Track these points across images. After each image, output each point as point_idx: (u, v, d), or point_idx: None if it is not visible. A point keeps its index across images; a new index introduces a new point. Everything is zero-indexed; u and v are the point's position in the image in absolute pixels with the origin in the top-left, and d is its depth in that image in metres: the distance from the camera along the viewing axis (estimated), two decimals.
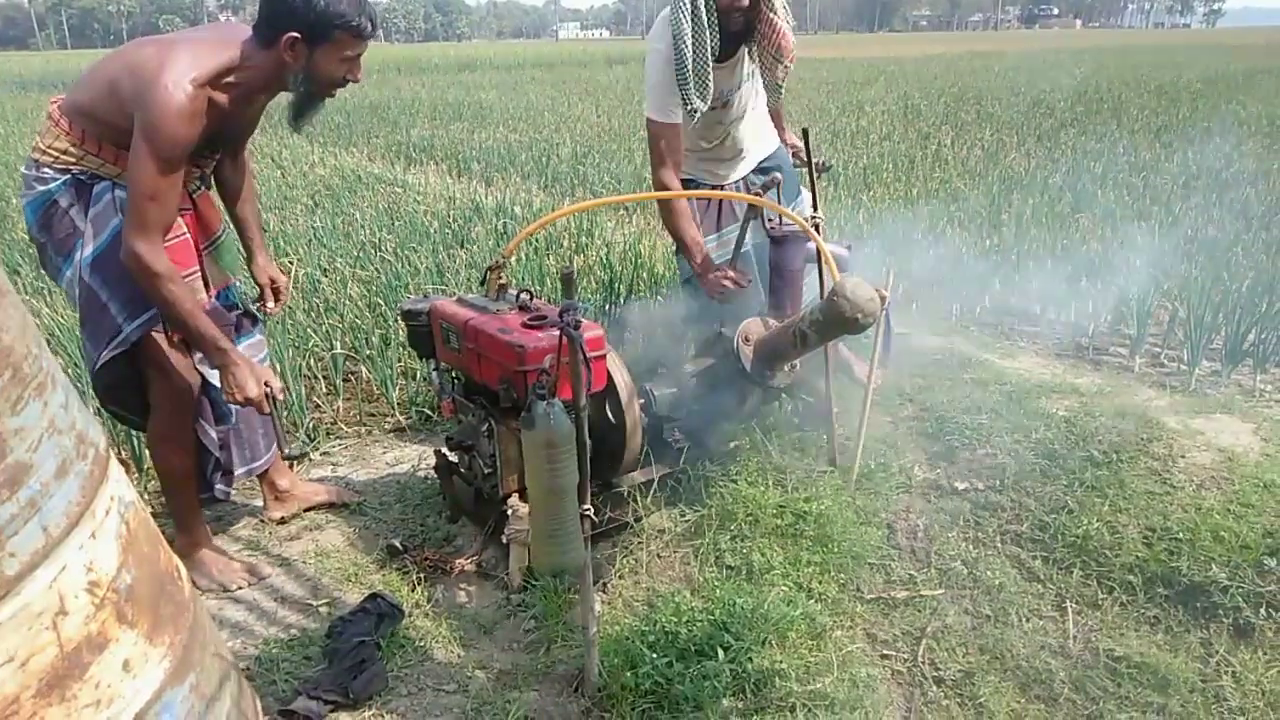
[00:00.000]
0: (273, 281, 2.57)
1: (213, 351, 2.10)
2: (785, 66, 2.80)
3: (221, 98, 2.03)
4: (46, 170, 2.09)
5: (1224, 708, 1.89)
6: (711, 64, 2.67)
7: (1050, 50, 32.58)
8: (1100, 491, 2.45)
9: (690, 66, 2.62)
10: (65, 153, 2.08)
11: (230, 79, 2.03)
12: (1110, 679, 1.98)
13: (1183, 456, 2.58)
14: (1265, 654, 1.98)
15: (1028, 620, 2.17)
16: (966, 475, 2.67)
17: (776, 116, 3.25)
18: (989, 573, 2.30)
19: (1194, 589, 2.16)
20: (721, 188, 3.08)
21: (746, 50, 2.82)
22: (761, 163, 3.12)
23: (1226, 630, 2.07)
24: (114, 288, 2.11)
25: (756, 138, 3.11)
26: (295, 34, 1.99)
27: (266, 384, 2.14)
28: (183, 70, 1.94)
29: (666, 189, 2.81)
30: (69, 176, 2.09)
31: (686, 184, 3.09)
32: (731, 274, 2.78)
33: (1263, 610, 2.07)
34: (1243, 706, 1.87)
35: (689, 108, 2.70)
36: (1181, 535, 2.27)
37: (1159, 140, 8.99)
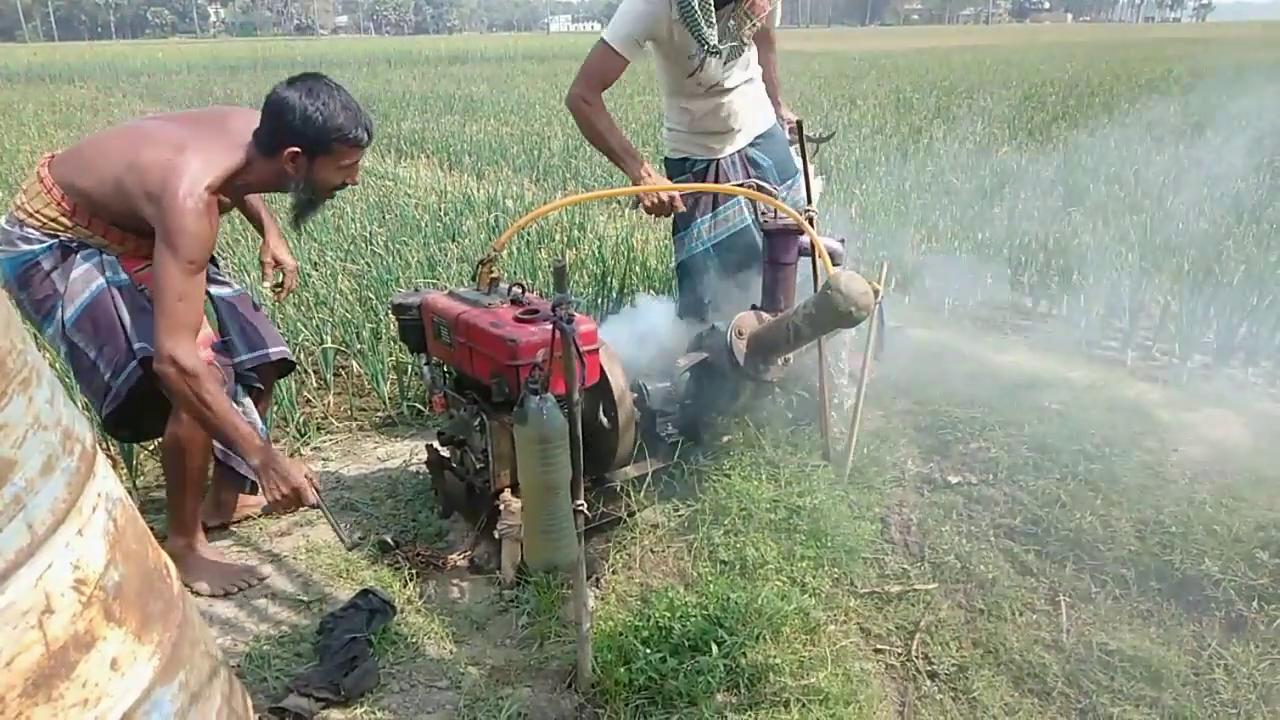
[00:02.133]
0: (278, 262, 2.56)
1: (251, 451, 2.03)
2: (754, 24, 2.75)
3: (227, 198, 2.13)
4: (31, 231, 2.09)
5: (1216, 700, 1.89)
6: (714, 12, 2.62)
7: (1041, 44, 32.62)
8: (1093, 485, 2.46)
9: (698, 5, 2.56)
10: (55, 220, 2.09)
11: (237, 182, 2.08)
12: (1104, 673, 1.98)
13: (1175, 450, 2.58)
14: (1257, 647, 1.99)
15: (1021, 614, 2.17)
16: (959, 469, 2.67)
17: (772, 89, 3.18)
18: (982, 566, 2.30)
19: (1187, 582, 2.17)
20: (717, 162, 3.03)
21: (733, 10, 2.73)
22: (756, 138, 3.06)
23: (1219, 623, 2.08)
24: (99, 345, 2.14)
25: (753, 111, 3.05)
26: (296, 148, 2.03)
27: (307, 475, 2.07)
28: (196, 178, 1.97)
29: (584, 115, 2.73)
30: (55, 241, 2.10)
31: (680, 163, 3.06)
32: (677, 195, 2.75)
33: (1255, 603, 2.07)
34: (1235, 699, 1.88)
35: (707, 46, 2.63)
36: (1174, 529, 2.28)
37: (1150, 134, 9.00)
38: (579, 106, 2.75)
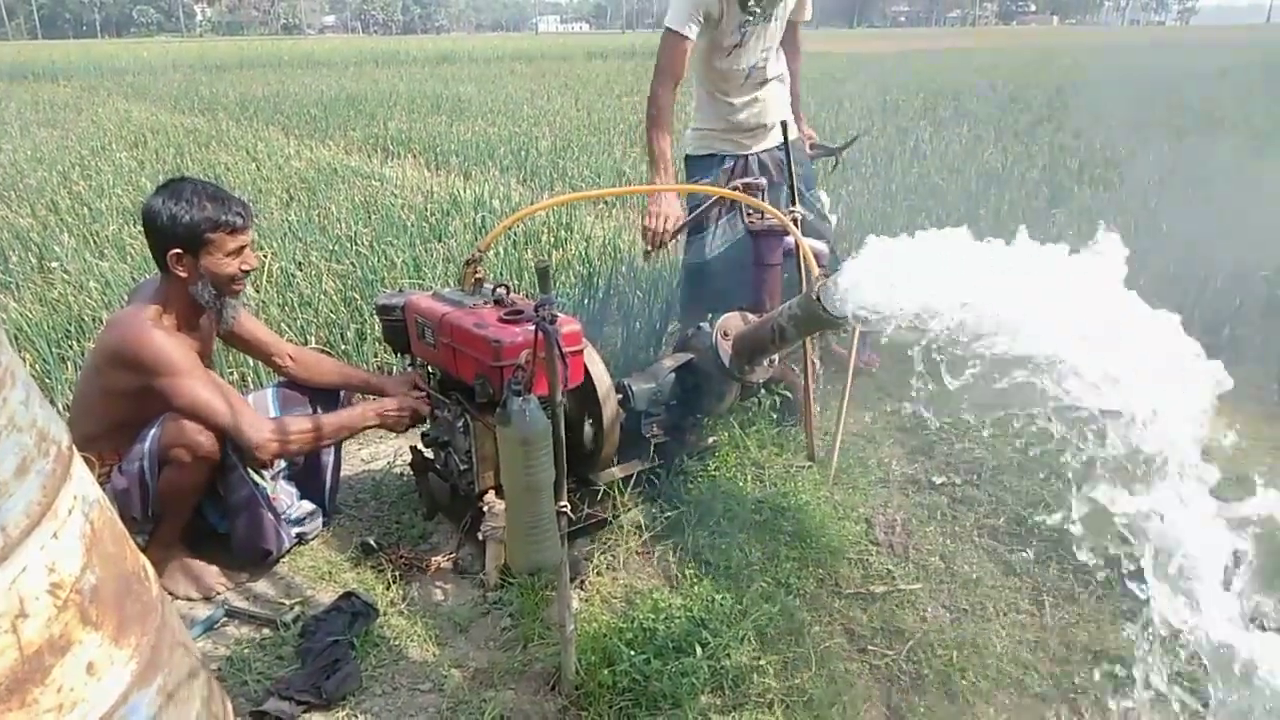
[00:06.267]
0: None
1: (365, 420, 2.36)
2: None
3: (176, 334, 2.17)
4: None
5: (1196, 700, 1.89)
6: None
7: (1028, 47, 32.79)
8: (1078, 486, 2.47)
9: None
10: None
11: (167, 316, 2.17)
12: (1088, 673, 1.98)
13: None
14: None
15: (1005, 614, 2.17)
16: (944, 469, 2.68)
17: (795, 102, 3.29)
18: (966, 567, 2.31)
19: None
20: (745, 159, 3.11)
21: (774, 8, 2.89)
22: (778, 146, 3.11)
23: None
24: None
25: (782, 114, 3.11)
26: (177, 250, 2.10)
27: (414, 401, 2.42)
28: (135, 319, 2.12)
29: (658, 99, 2.90)
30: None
31: (706, 159, 3.13)
32: (671, 224, 2.86)
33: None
34: None
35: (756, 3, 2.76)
36: None
37: (1136, 135, 9.06)
38: (649, 105, 2.94)
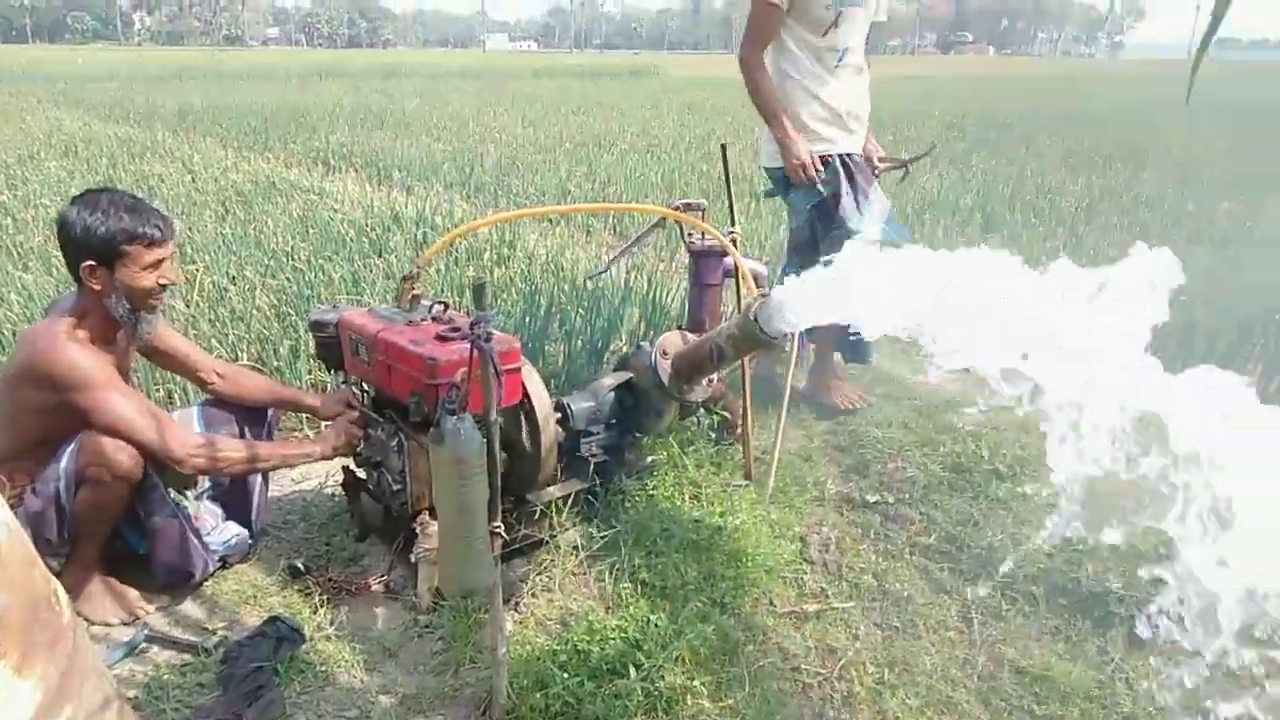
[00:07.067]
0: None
1: (309, 457, 2.32)
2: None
3: (90, 347, 2.10)
4: None
5: (1118, 714, 1.95)
6: None
7: (966, 76, 33.78)
8: (1004, 504, 2.53)
9: None
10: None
11: (82, 330, 2.10)
12: (1014, 690, 2.02)
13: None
14: (1155, 659, 2.06)
15: (935, 631, 2.21)
16: (878, 488, 2.72)
17: None
18: (898, 584, 2.34)
19: (1092, 599, 2.24)
20: (852, 155, 3.07)
21: None
22: (858, 156, 3.11)
23: (1121, 638, 2.14)
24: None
25: (862, 124, 3.13)
26: (90, 261, 2.04)
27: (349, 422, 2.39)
28: (48, 332, 2.05)
29: (751, 68, 2.95)
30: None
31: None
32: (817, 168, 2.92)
33: (1154, 617, 2.15)
34: (1133, 713, 1.94)
35: None
36: (1081, 547, 2.35)
37: (1065, 164, 9.39)
38: (742, 67, 2.98)
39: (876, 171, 3.21)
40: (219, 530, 2.41)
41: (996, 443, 2.81)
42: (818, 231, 3.05)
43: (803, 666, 2.09)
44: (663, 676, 1.92)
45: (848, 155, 3.04)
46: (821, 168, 2.95)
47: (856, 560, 2.44)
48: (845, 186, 2.97)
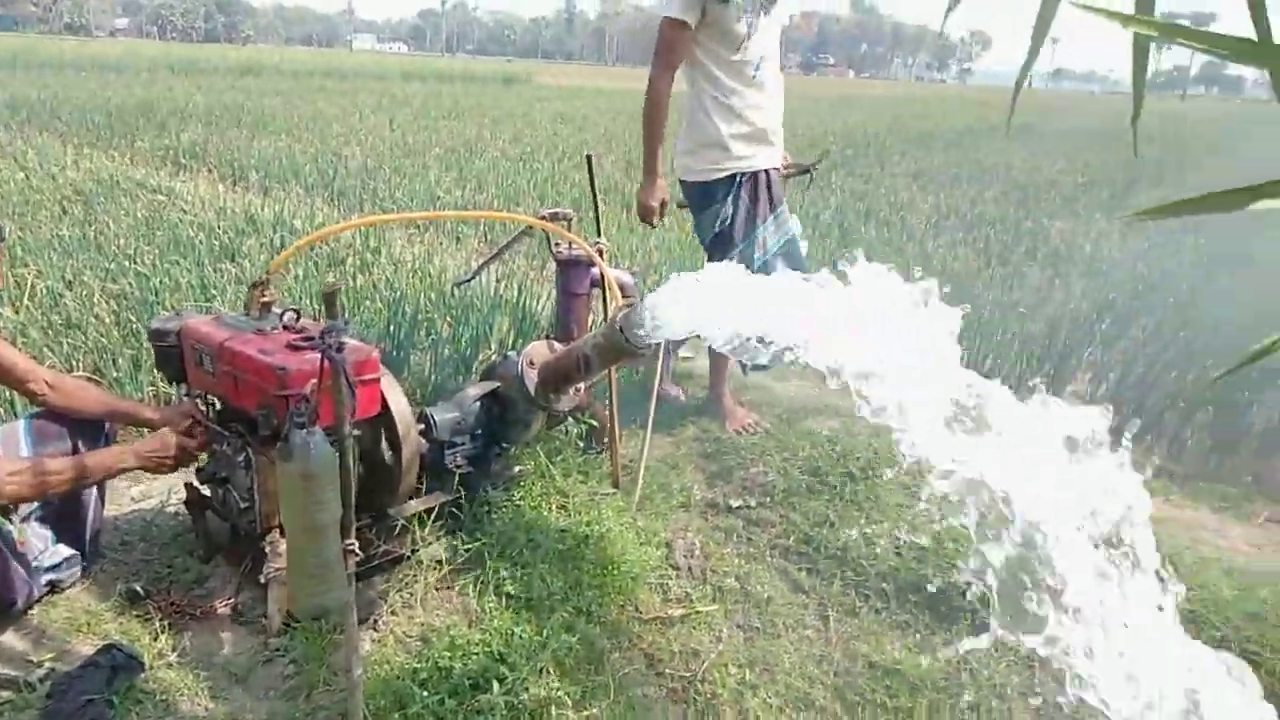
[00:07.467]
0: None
1: (123, 462, 2.14)
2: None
3: None
4: None
5: (962, 703, 2.06)
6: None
7: (827, 97, 35.27)
8: (858, 505, 2.64)
9: None
10: None
11: None
12: (868, 684, 2.11)
13: (929, 471, 2.82)
14: (996, 650, 2.19)
15: (794, 630, 2.28)
16: (741, 493, 2.78)
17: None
18: (759, 586, 2.40)
19: (939, 594, 2.36)
20: (767, 173, 3.07)
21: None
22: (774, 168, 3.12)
23: (965, 630, 2.27)
24: None
25: (779, 129, 3.12)
26: None
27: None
28: None
29: (658, 91, 2.92)
30: None
31: (719, 183, 3.03)
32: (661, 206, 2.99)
33: (994, 609, 2.29)
34: (976, 701, 2.05)
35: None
36: (927, 545, 2.48)
37: (916, 183, 9.93)
38: (648, 93, 2.95)
39: (782, 177, 3.25)
40: (49, 554, 2.22)
41: (849, 447, 2.93)
42: (715, 255, 3.12)
43: (667, 671, 2.11)
44: (527, 689, 1.90)
45: (765, 171, 3.07)
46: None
47: (720, 564, 2.49)
48: (744, 212, 3.03)
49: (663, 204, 3.03)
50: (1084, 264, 6.14)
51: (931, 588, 2.35)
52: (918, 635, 2.28)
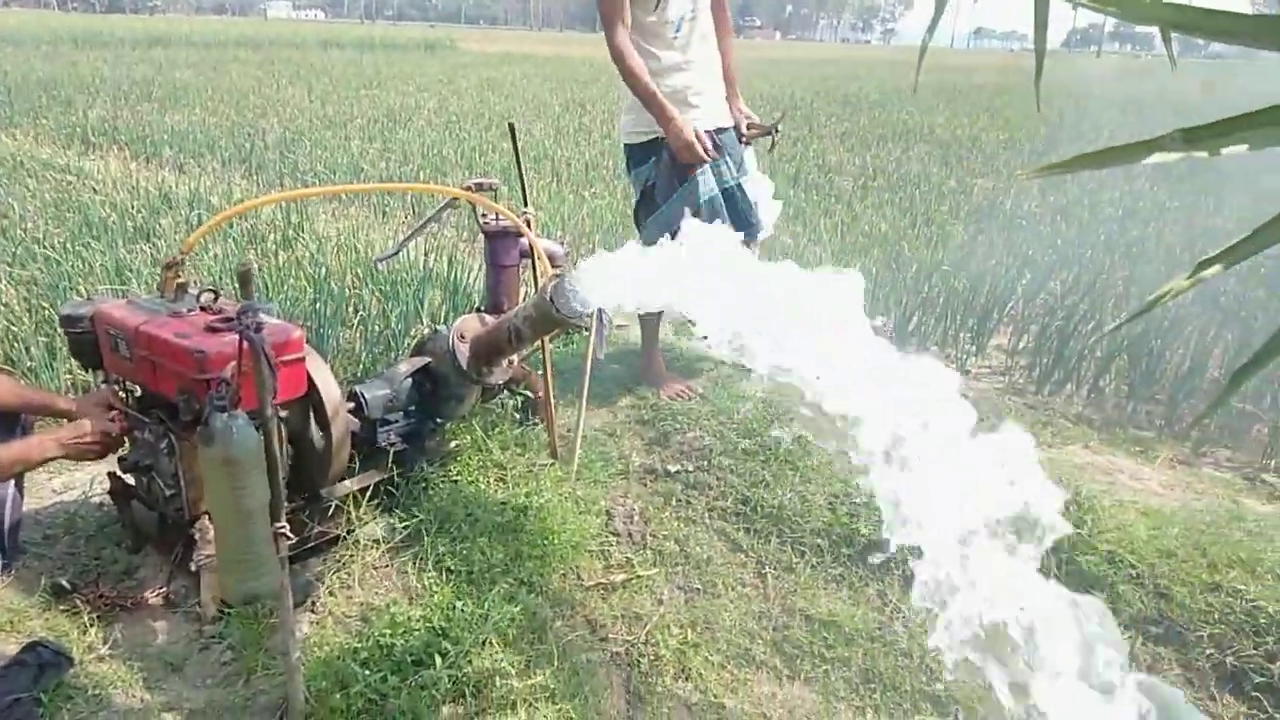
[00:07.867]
0: None
1: (45, 452, 2.09)
2: None
3: None
4: None
5: (895, 650, 2.13)
6: None
7: (753, 60, 35.26)
8: (792, 464, 2.69)
9: None
10: None
11: None
12: (806, 637, 2.17)
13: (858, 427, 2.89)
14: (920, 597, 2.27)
15: (733, 589, 2.32)
16: (678, 458, 2.81)
17: (730, 80, 3.16)
18: (699, 548, 2.44)
19: (871, 546, 2.42)
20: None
21: None
22: (719, 129, 3.03)
23: (897, 581, 2.34)
24: None
25: (716, 97, 3.04)
26: None
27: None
28: None
29: (622, 52, 2.82)
30: None
31: (650, 145, 2.97)
32: (707, 143, 2.87)
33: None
34: (909, 649, 2.13)
35: None
36: (859, 499, 2.54)
37: (843, 144, 10.03)
38: (613, 56, 2.85)
39: (745, 140, 3.20)
40: None
41: (783, 407, 2.98)
42: (640, 215, 3.10)
43: (610, 636, 2.14)
44: (470, 662, 1.91)
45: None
46: (710, 144, 2.92)
47: (660, 528, 2.51)
48: (665, 174, 2.98)
49: (697, 135, 2.89)
50: (1005, 220, 6.30)
51: (864, 541, 2.42)
52: (852, 588, 2.34)
